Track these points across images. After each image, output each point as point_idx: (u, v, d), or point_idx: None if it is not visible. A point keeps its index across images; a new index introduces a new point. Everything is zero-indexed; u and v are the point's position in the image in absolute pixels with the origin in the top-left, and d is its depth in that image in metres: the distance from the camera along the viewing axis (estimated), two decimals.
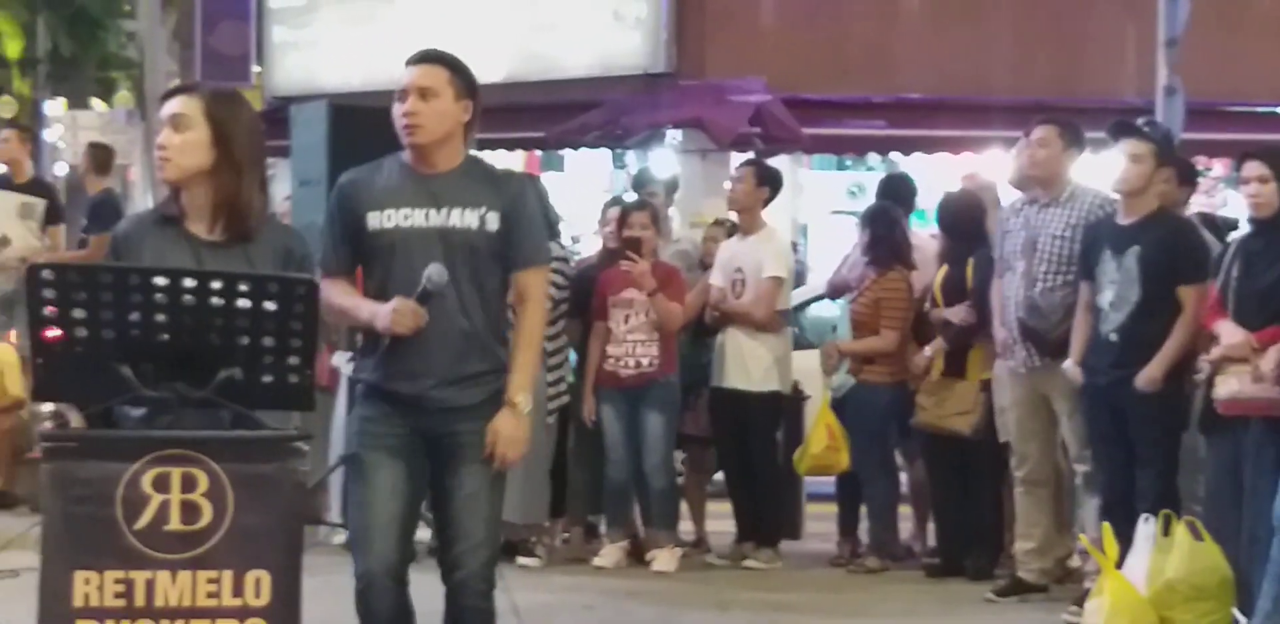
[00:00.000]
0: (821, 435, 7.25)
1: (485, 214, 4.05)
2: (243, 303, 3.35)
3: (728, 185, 7.96)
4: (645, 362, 7.28)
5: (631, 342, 7.31)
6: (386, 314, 3.89)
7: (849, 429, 7.27)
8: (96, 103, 24.94)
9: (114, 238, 3.81)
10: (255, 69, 17.28)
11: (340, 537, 7.53)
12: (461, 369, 4.01)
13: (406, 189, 4.06)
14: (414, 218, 4.03)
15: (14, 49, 26.82)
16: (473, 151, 4.21)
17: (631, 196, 8.86)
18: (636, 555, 7.45)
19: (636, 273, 7.17)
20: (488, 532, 4.04)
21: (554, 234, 7.43)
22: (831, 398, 7.39)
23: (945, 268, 7.19)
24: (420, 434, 4.00)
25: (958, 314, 6.98)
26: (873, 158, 13.93)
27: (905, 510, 7.69)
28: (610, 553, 7.41)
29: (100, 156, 10.17)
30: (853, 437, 7.27)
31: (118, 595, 3.29)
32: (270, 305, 3.36)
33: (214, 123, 3.71)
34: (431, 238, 4.00)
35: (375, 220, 4.02)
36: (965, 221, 7.23)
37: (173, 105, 3.77)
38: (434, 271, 3.88)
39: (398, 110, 4.05)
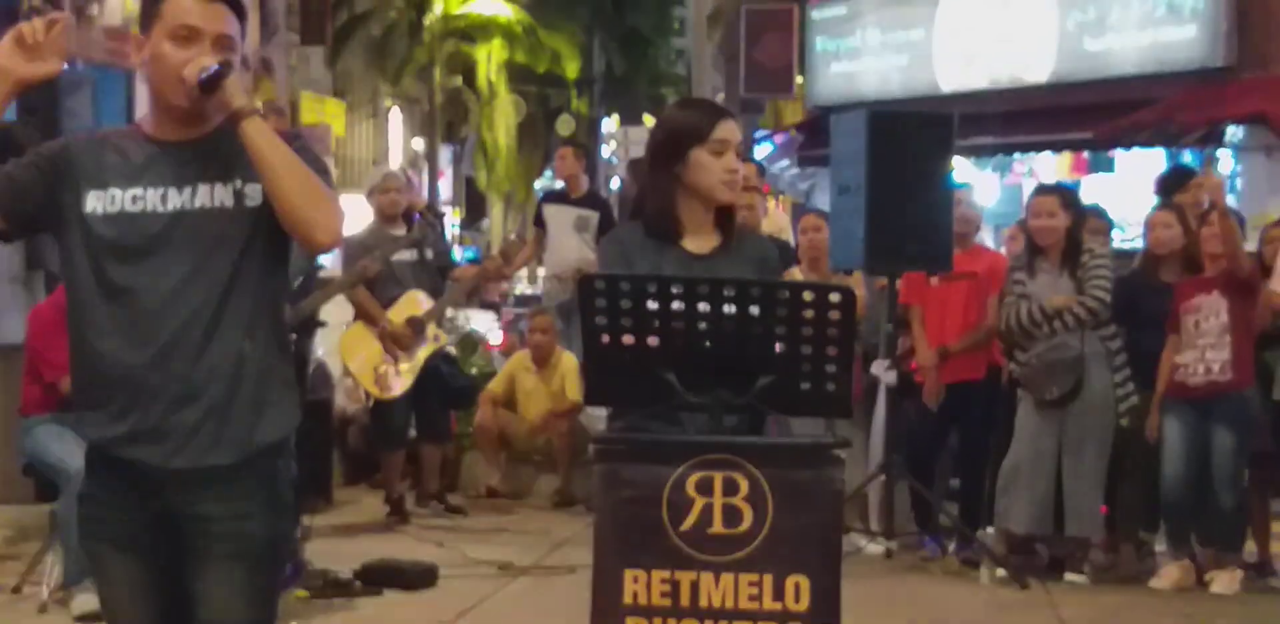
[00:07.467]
0: None
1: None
2: (781, 311, 3.38)
3: None
4: (1216, 367, 6.88)
5: (1201, 346, 6.93)
6: None
7: None
8: (648, 118, 26.11)
9: (603, 249, 3.88)
10: (796, 80, 17.61)
11: (878, 546, 7.53)
12: None
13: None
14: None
15: (572, 69, 28.58)
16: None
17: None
18: (1194, 576, 7.08)
19: None
20: None
21: None
22: None
23: None
24: None
25: None
26: None
27: None
28: (1166, 573, 7.06)
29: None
30: None
31: (664, 594, 3.35)
32: (808, 313, 3.37)
33: None
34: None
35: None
36: None
37: (735, 131, 3.85)
38: None
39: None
